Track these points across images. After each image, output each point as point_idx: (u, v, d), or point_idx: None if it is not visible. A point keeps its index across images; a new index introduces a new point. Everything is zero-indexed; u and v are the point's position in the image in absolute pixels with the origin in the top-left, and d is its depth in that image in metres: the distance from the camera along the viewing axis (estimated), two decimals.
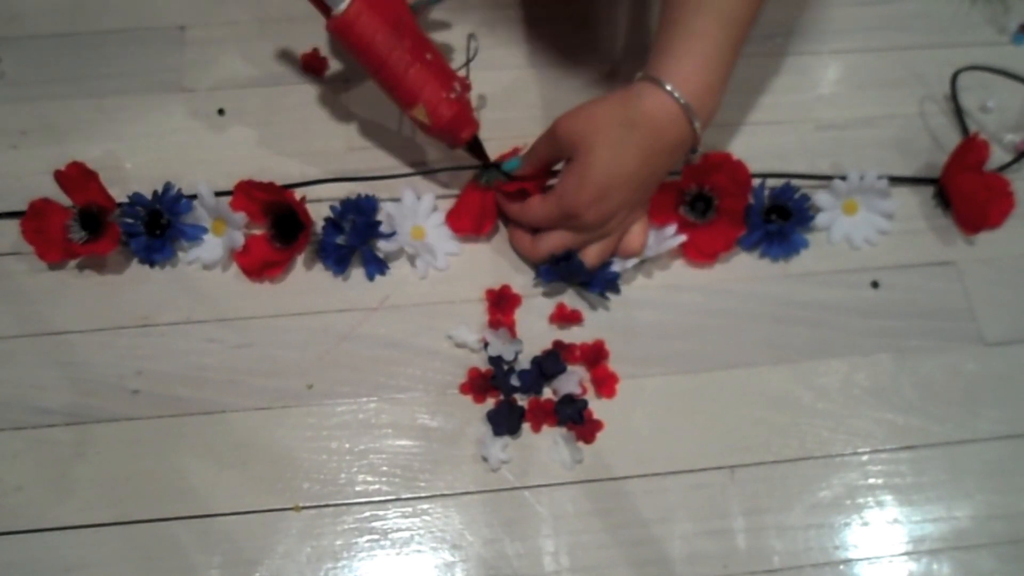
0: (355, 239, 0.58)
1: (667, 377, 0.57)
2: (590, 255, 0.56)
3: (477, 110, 0.64)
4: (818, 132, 0.65)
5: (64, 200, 0.58)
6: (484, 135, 0.58)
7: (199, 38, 0.67)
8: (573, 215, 0.54)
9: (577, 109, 0.53)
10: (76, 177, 0.57)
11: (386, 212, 0.59)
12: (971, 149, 0.60)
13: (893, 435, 0.56)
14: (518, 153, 0.58)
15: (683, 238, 0.58)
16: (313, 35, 0.67)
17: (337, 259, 0.58)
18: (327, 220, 0.59)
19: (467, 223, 0.59)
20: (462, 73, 0.58)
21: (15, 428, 0.54)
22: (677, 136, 0.53)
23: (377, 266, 0.59)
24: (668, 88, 0.51)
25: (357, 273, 0.59)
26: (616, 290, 0.58)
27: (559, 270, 0.57)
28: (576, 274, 0.57)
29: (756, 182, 0.60)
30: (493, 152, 0.60)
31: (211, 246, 0.59)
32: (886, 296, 0.60)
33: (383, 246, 0.58)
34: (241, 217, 0.57)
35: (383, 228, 0.58)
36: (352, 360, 0.57)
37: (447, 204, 0.61)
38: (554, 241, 0.56)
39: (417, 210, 0.60)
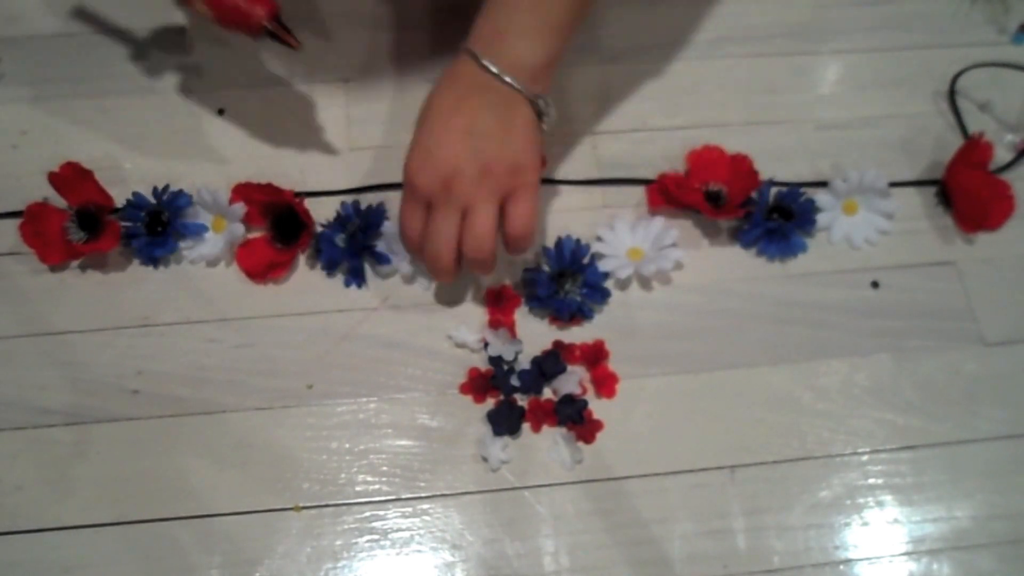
0: (349, 250, 0.58)
1: (667, 377, 0.57)
2: (467, 242, 0.51)
3: None
4: (818, 132, 0.65)
5: (62, 201, 0.58)
6: None
7: (199, 38, 0.67)
8: (411, 185, 0.51)
9: None
10: (70, 177, 0.57)
11: (384, 234, 0.58)
12: (975, 149, 0.60)
13: (893, 435, 0.56)
14: None
15: (681, 253, 0.58)
16: (313, 35, 0.67)
17: (329, 260, 0.58)
18: (336, 215, 0.59)
19: None
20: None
21: (15, 428, 0.54)
22: (472, 76, 0.50)
23: (356, 280, 0.58)
24: (469, 49, 0.51)
25: None
26: (588, 313, 0.57)
27: (538, 298, 0.57)
28: (550, 305, 0.57)
29: (763, 178, 0.61)
30: None
31: (212, 242, 0.59)
32: (886, 296, 0.60)
33: (379, 270, 0.58)
34: (240, 207, 0.57)
35: (382, 248, 0.58)
36: (352, 360, 0.57)
37: None
38: (432, 237, 0.51)
39: None
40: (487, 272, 0.54)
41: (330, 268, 0.59)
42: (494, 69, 0.50)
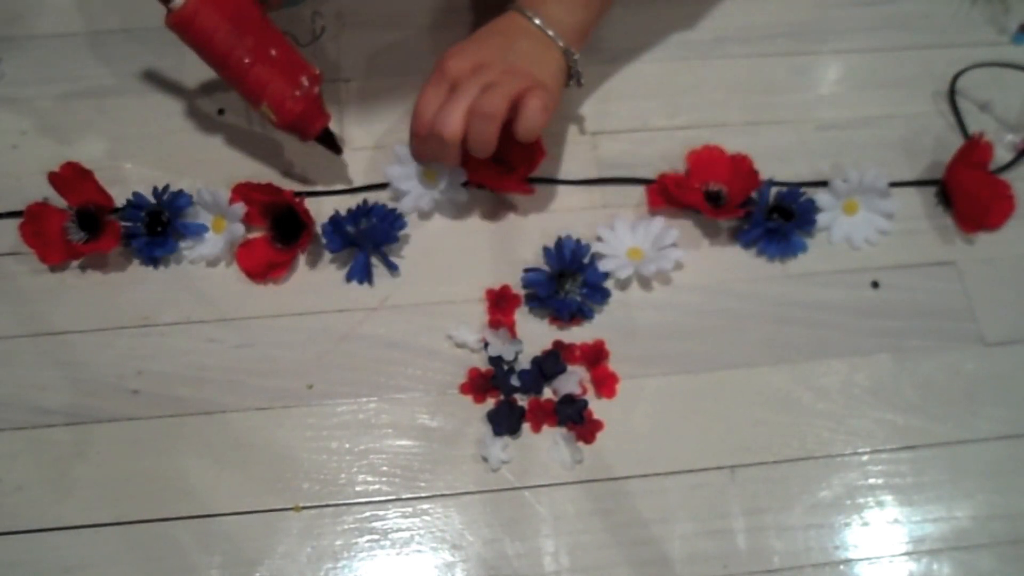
0: (359, 243, 0.58)
1: (667, 377, 0.57)
2: (478, 103, 0.53)
3: None
4: (818, 132, 0.65)
5: (62, 201, 0.58)
6: None
7: None
8: (441, 67, 0.56)
9: None
10: (70, 178, 0.57)
11: (397, 154, 0.60)
12: (975, 149, 0.60)
13: (893, 435, 0.56)
14: None
15: (681, 253, 0.59)
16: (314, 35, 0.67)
17: (339, 242, 0.58)
18: (355, 207, 0.59)
19: None
20: (309, 50, 0.60)
21: (15, 428, 0.54)
22: (516, 24, 0.58)
23: (362, 275, 0.58)
24: (515, 6, 0.58)
25: None
26: (588, 313, 0.58)
27: (538, 298, 0.57)
28: (550, 305, 0.57)
29: (763, 178, 0.61)
30: None
31: (212, 242, 0.59)
32: (886, 296, 0.60)
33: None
34: (240, 207, 0.57)
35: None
36: (352, 360, 0.57)
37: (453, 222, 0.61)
38: (447, 105, 0.54)
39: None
40: (485, 150, 0.55)
41: (336, 248, 0.58)
42: (537, 21, 0.57)
